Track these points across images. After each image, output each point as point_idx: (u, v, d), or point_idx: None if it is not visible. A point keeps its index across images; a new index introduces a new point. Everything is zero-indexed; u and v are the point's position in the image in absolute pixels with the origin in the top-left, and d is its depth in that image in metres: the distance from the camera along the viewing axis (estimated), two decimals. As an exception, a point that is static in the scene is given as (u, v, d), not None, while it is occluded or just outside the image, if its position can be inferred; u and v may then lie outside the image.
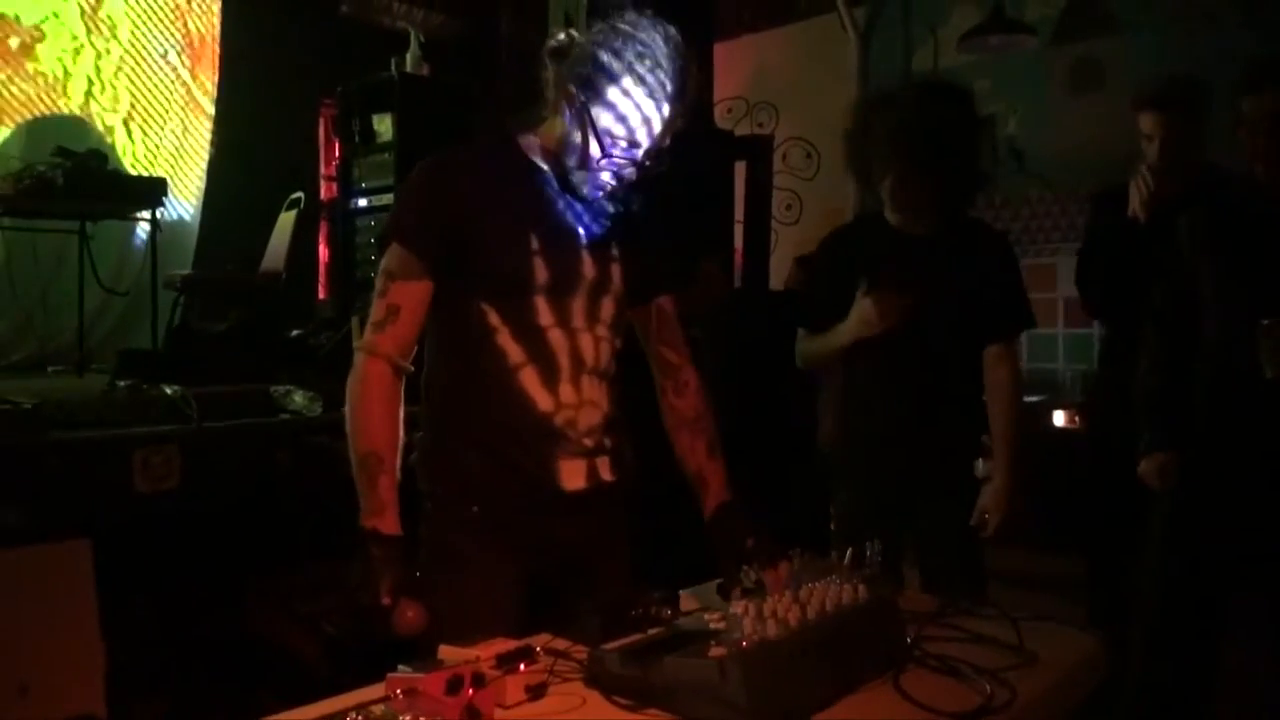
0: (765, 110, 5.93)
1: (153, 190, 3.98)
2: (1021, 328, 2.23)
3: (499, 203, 1.48)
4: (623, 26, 1.42)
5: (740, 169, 3.86)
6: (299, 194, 4.32)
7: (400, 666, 1.15)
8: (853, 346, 2.19)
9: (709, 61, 3.65)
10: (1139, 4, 4.64)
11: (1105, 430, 2.78)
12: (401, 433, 1.46)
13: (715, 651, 1.11)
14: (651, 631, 1.29)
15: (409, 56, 4.53)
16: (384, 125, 4.50)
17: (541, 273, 1.48)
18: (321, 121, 5.23)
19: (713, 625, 1.22)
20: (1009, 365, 2.17)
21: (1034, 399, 4.49)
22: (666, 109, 1.43)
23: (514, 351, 1.48)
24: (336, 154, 4.90)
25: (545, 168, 1.53)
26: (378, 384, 1.45)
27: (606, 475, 1.56)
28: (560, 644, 1.32)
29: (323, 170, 5.21)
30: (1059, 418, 4.31)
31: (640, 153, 1.46)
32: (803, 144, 5.86)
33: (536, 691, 1.17)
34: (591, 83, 1.41)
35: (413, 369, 1.49)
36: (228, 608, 2.41)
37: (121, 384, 2.77)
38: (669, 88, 1.41)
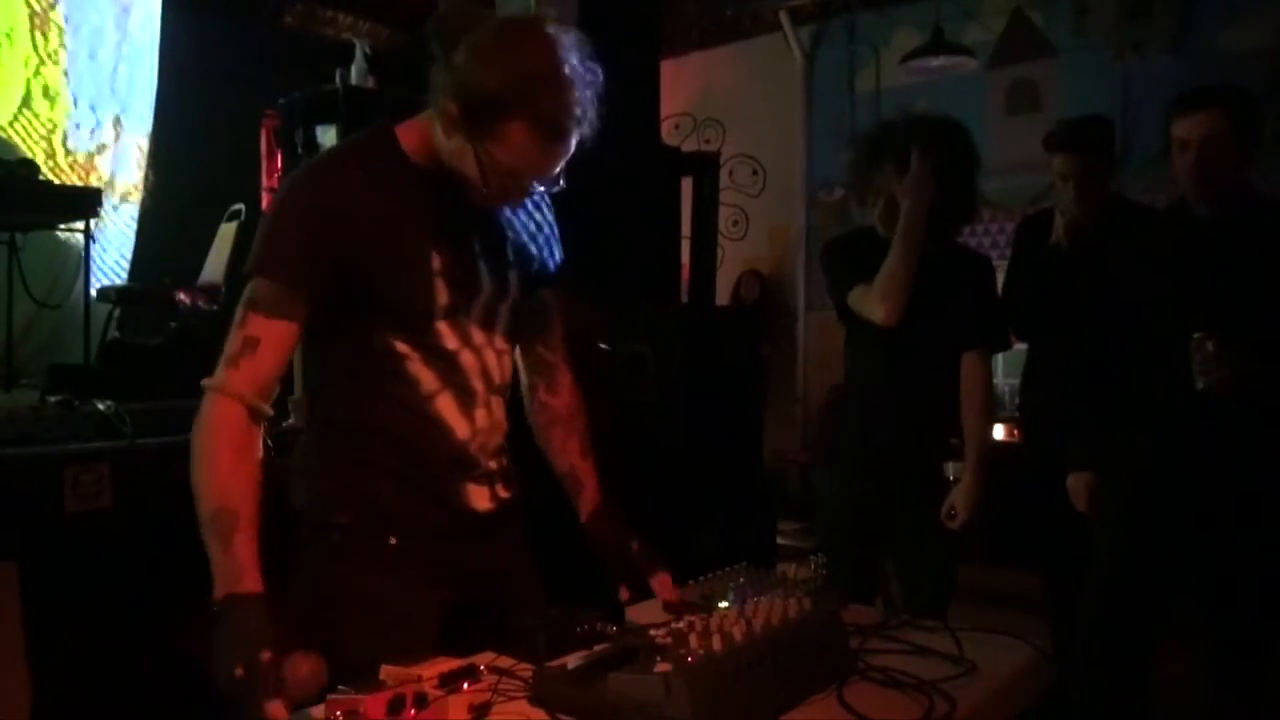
0: (712, 127, 5.99)
1: (86, 200, 3.87)
2: (998, 343, 2.41)
3: (392, 219, 1.34)
4: (513, 46, 1.24)
5: (687, 185, 3.89)
6: (239, 205, 4.24)
7: (340, 687, 1.13)
8: (847, 345, 2.39)
9: (656, 78, 3.68)
10: (1072, 30, 4.79)
11: (1037, 447, 2.88)
12: (258, 485, 1.27)
13: (661, 667, 1.10)
14: (597, 648, 1.28)
15: (354, 68, 4.48)
16: (328, 137, 4.43)
17: (443, 295, 1.37)
18: (263, 132, 5.14)
19: (659, 641, 1.21)
20: (983, 370, 2.33)
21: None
22: (566, 143, 1.29)
23: (427, 379, 1.39)
24: (279, 165, 4.82)
25: (428, 168, 1.37)
26: (228, 429, 1.25)
27: (504, 494, 1.53)
28: (504, 662, 1.31)
29: (264, 182, 5.11)
30: (998, 431, 4.40)
31: (529, 182, 1.34)
32: (749, 160, 5.93)
33: (480, 711, 1.16)
34: (480, 114, 1.25)
35: (272, 413, 1.32)
36: (162, 631, 2.33)
37: (51, 399, 2.68)
38: (573, 120, 1.26)
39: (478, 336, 1.43)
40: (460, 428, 1.43)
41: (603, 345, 2.97)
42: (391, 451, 1.41)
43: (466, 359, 1.42)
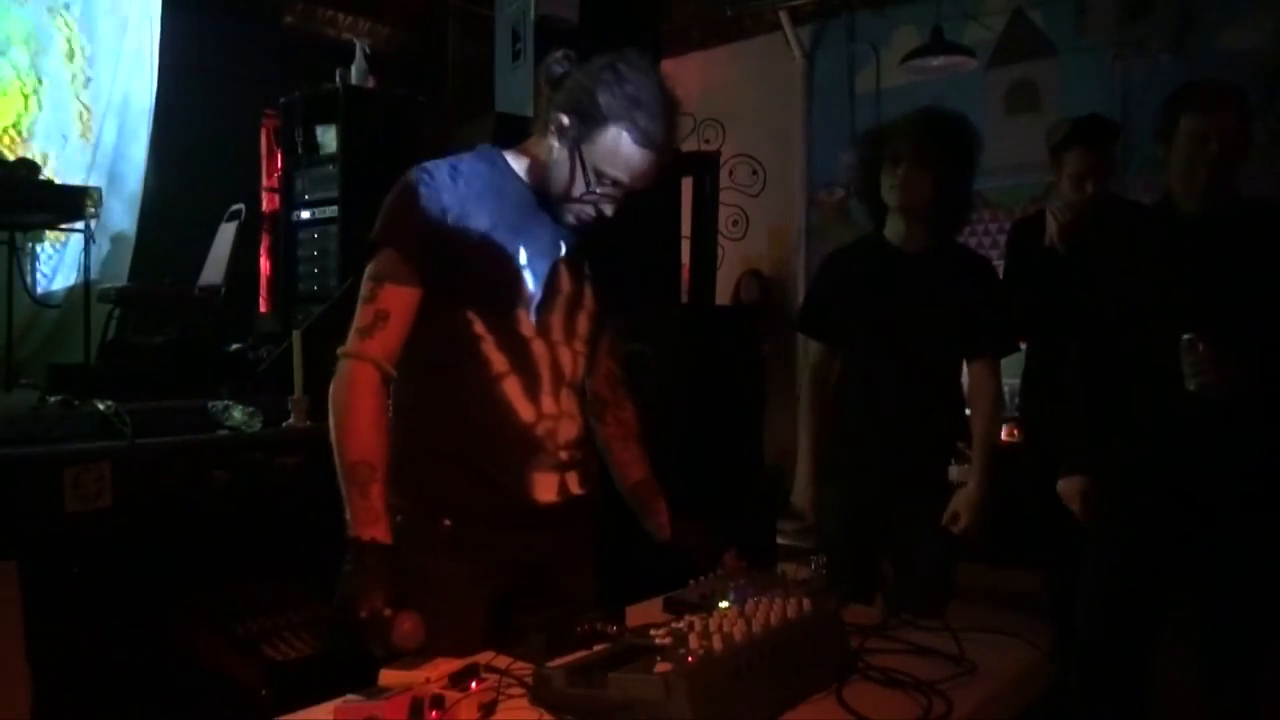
0: (712, 127, 5.99)
1: (86, 200, 3.88)
2: (1006, 347, 2.37)
3: (489, 215, 1.49)
4: (624, 70, 1.44)
5: (687, 184, 3.88)
6: (239, 205, 4.25)
7: (349, 696, 1.14)
8: (846, 351, 2.40)
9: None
10: (1072, 29, 4.79)
11: (1036, 447, 2.88)
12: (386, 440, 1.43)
13: (660, 667, 1.11)
14: (597, 648, 1.28)
15: (354, 68, 4.48)
16: (328, 137, 4.43)
17: (529, 285, 1.50)
18: (264, 132, 5.15)
19: (659, 641, 1.21)
20: (992, 375, 2.31)
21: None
22: (657, 156, 1.47)
23: (498, 360, 1.49)
24: (279, 165, 4.83)
25: (529, 184, 1.54)
26: (367, 390, 1.41)
27: (576, 489, 1.57)
28: (503, 661, 1.31)
29: (264, 182, 5.13)
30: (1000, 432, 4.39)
31: (623, 192, 1.49)
32: (749, 160, 5.93)
33: (487, 710, 1.16)
34: (586, 120, 1.44)
35: (395, 375, 1.46)
36: (162, 632, 2.33)
37: (52, 399, 2.68)
38: (663, 137, 1.45)
39: (557, 333, 1.53)
40: (525, 410, 1.50)
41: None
42: (456, 435, 1.49)
43: (538, 348, 1.51)
